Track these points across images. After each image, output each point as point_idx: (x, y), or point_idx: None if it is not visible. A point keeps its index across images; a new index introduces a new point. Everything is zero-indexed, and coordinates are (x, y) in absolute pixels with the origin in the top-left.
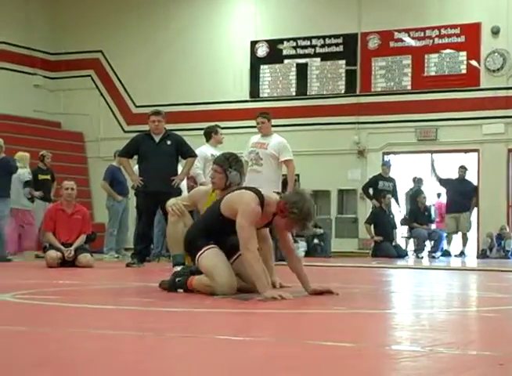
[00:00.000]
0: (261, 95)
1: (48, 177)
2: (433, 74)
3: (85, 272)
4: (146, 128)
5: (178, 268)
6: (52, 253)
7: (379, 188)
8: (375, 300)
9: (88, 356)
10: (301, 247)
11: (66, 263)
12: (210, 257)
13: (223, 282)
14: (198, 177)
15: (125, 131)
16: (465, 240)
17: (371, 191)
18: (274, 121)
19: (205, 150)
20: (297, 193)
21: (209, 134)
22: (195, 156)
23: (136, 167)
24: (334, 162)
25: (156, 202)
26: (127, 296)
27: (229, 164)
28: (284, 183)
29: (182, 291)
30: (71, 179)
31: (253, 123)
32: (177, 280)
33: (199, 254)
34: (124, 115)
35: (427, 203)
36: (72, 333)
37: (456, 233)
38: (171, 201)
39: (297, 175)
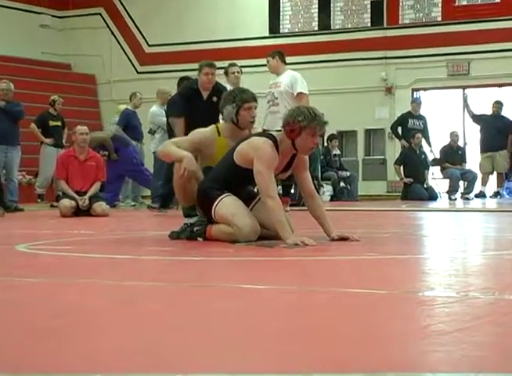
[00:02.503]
0: (281, 30)
1: (59, 123)
2: (465, 3)
3: (101, 221)
4: (160, 68)
5: (190, 219)
6: (66, 202)
7: (408, 127)
8: (406, 245)
9: (106, 306)
10: (327, 191)
11: (80, 212)
12: (228, 204)
13: (246, 224)
14: None
15: (138, 72)
16: (501, 180)
17: (400, 130)
18: (295, 59)
19: None
20: (289, 110)
21: (226, 73)
22: None
23: (157, 136)
24: (360, 100)
25: None
26: (146, 245)
27: (228, 100)
28: None
29: (201, 239)
30: (83, 124)
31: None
32: (195, 229)
33: (215, 204)
34: (136, 55)
35: (460, 142)
36: (90, 283)
37: (492, 173)
38: (171, 150)
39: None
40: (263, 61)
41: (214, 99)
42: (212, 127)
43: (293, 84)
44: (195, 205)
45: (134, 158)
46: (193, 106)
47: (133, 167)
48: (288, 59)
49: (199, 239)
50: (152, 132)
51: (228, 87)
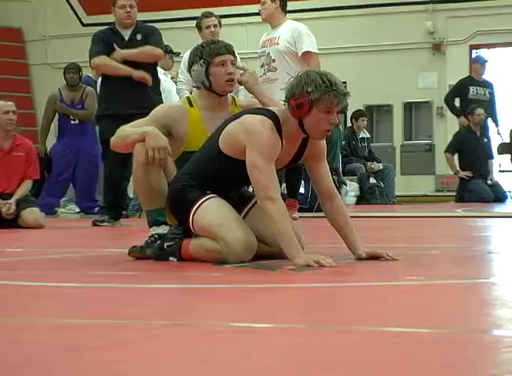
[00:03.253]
0: None
1: None
2: None
3: (33, 234)
4: (112, 19)
5: (159, 229)
6: None
7: (469, 97)
8: (463, 265)
9: (45, 355)
10: (352, 190)
11: (4, 222)
12: (212, 210)
13: (237, 238)
14: (180, 94)
15: (84, 25)
16: None
17: (458, 103)
18: (307, 4)
19: None
20: (295, 77)
21: (198, 27)
22: (155, 44)
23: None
24: (397, 62)
25: None
26: (98, 268)
27: (194, 57)
28: None
29: (174, 259)
30: (8, 99)
31: None
32: (166, 244)
33: (193, 210)
34: (82, 1)
35: None
36: (23, 324)
37: None
38: (126, 132)
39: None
40: (253, 8)
41: (139, 36)
42: (183, 98)
43: (297, 39)
44: (165, 209)
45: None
46: (113, 49)
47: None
48: (292, 5)
49: (171, 259)
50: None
51: None
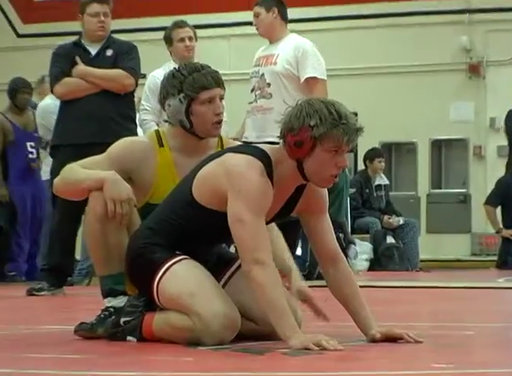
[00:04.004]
0: None
1: None
2: None
3: None
4: (57, 28)
5: (116, 300)
6: None
7: None
8: (505, 349)
9: None
10: (362, 252)
11: None
12: (183, 276)
13: (214, 313)
14: (145, 127)
15: (20, 36)
16: None
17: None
18: (307, 12)
19: (160, 75)
20: (293, 107)
21: (168, 40)
22: (129, 69)
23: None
24: (423, 88)
25: None
26: (35, 350)
27: (170, 87)
28: None
29: (134, 340)
30: None
31: None
32: (123, 320)
33: (158, 276)
34: (17, 8)
35: None
36: None
37: None
38: (77, 174)
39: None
40: (244, 16)
41: (109, 52)
42: (150, 133)
43: (300, 60)
44: (123, 274)
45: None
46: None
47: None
48: (292, 14)
49: (129, 338)
50: (43, 145)
51: (172, 65)
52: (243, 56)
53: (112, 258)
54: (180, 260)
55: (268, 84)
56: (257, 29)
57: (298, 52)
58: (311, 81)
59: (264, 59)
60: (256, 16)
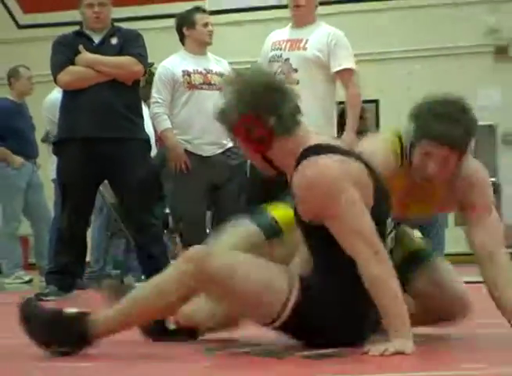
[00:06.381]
0: None
1: None
2: None
3: None
4: (61, 17)
5: None
6: None
7: None
8: None
9: None
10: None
11: None
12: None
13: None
14: (157, 120)
15: (20, 27)
16: None
17: None
18: None
19: (172, 64)
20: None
21: (182, 28)
22: (138, 56)
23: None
24: (448, 73)
25: (96, 167)
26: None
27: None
28: (341, 116)
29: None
30: None
31: None
32: None
33: None
34: None
35: None
36: None
37: None
38: None
39: (370, 102)
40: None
41: (114, 40)
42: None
43: (332, 50)
44: None
45: None
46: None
47: None
48: None
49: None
50: (50, 140)
51: (189, 58)
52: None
53: None
54: None
55: (295, 70)
56: (293, 12)
57: (331, 40)
58: (346, 72)
59: (287, 43)
60: None
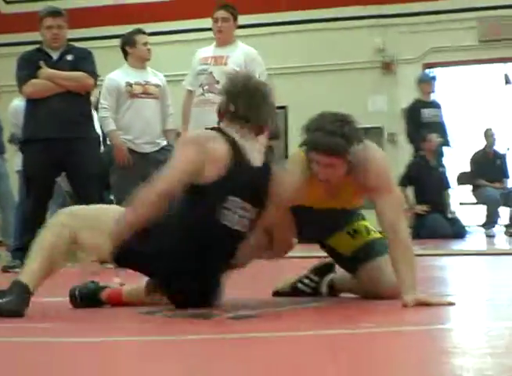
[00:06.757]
0: None
1: None
2: None
3: None
4: (24, 37)
5: None
6: None
7: (422, 121)
8: (417, 309)
9: None
10: None
11: None
12: None
13: None
14: (104, 123)
15: None
16: None
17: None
18: (244, 19)
19: (117, 77)
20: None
21: (125, 47)
22: (90, 72)
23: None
24: (343, 84)
25: (55, 162)
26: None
27: (340, 125)
28: None
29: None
30: None
31: (204, 23)
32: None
33: None
34: None
35: (499, 147)
36: None
37: None
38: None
39: (281, 108)
40: (190, 23)
41: (69, 57)
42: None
43: (250, 66)
44: None
45: None
46: (39, 68)
47: None
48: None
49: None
50: (16, 141)
51: (131, 72)
52: (184, 57)
53: None
54: None
55: (218, 82)
56: (217, 32)
57: (248, 57)
58: None
59: (212, 59)
60: (225, 20)
